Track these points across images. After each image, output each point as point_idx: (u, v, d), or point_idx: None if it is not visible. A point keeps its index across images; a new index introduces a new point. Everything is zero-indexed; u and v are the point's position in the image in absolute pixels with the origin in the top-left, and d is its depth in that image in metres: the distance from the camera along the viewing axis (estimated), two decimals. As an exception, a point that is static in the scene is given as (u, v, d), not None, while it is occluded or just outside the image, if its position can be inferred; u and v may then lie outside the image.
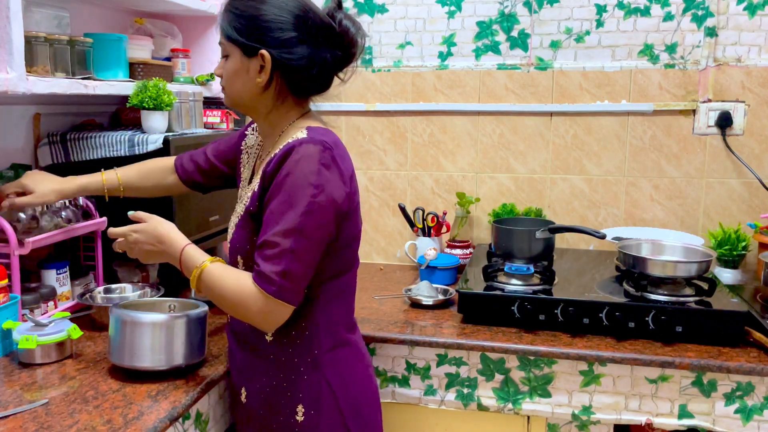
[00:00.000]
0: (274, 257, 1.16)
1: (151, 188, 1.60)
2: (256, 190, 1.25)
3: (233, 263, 1.30)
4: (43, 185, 1.52)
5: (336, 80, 1.32)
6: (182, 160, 1.58)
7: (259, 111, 1.31)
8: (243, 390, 1.35)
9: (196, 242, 1.85)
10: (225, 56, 1.29)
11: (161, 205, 1.76)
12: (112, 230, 1.32)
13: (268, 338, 1.30)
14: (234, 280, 1.21)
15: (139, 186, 1.59)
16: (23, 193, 1.51)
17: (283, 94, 1.28)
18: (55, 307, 1.65)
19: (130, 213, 1.34)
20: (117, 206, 1.78)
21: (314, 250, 1.20)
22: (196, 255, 1.25)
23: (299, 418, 1.29)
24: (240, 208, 1.31)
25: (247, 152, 1.47)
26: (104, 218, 1.74)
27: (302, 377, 1.29)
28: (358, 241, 1.35)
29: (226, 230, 1.84)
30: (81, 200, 1.72)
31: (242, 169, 1.46)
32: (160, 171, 1.60)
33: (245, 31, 1.23)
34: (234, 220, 1.33)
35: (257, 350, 1.31)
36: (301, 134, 1.22)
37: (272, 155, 1.23)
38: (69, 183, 1.56)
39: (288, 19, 1.22)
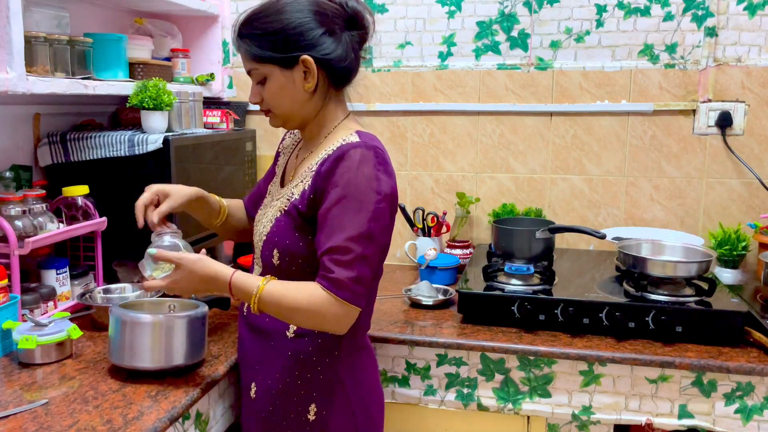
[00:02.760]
0: (348, 263, 1.17)
1: (237, 220, 1.55)
2: (306, 188, 1.25)
3: (267, 257, 1.30)
4: (174, 187, 1.41)
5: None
6: (247, 198, 1.57)
7: (309, 117, 1.32)
8: (253, 385, 1.35)
9: (196, 242, 1.86)
10: (260, 81, 1.29)
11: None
12: (149, 285, 1.26)
13: (289, 334, 1.30)
14: (304, 291, 1.20)
15: (233, 214, 1.54)
16: (158, 204, 1.38)
17: (329, 92, 1.31)
18: (55, 307, 1.65)
19: (155, 253, 1.25)
20: (117, 206, 1.79)
21: (380, 254, 1.24)
22: (247, 279, 1.24)
23: (311, 417, 1.29)
24: (281, 204, 1.30)
25: (283, 153, 1.49)
26: (104, 218, 1.74)
27: (318, 376, 1.29)
28: (389, 247, 1.35)
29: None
30: (80, 200, 1.72)
31: (276, 169, 1.48)
32: (239, 207, 1.57)
33: (278, 45, 1.24)
34: (271, 213, 1.32)
35: (276, 345, 1.31)
36: (353, 137, 1.24)
37: (324, 155, 1.24)
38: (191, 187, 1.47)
39: (310, 18, 1.24)
